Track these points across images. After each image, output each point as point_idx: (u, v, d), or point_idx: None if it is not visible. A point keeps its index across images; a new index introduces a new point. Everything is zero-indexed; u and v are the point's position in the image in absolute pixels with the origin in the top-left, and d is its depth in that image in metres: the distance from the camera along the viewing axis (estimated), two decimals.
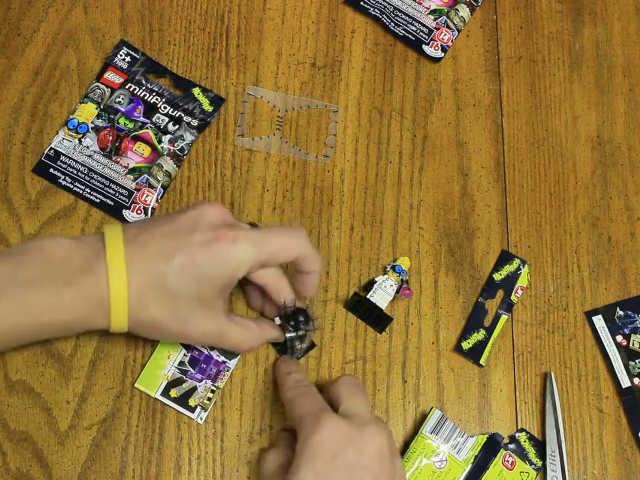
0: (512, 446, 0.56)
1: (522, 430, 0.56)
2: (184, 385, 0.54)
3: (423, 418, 0.56)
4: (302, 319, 0.54)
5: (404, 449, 0.55)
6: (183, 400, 0.54)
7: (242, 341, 0.52)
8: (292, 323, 0.54)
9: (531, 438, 0.56)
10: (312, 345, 0.57)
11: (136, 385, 0.54)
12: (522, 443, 0.56)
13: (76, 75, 0.63)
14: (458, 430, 0.55)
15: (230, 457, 0.54)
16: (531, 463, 0.55)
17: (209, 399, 0.54)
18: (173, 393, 0.54)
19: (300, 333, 0.54)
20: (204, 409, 0.54)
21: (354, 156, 0.63)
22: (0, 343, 0.46)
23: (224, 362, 0.55)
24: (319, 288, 0.58)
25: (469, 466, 0.54)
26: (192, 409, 0.54)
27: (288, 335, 0.54)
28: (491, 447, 0.55)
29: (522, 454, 0.56)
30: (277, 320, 0.54)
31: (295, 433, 0.47)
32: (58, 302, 0.45)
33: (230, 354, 0.55)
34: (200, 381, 0.55)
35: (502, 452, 0.55)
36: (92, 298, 0.46)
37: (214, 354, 0.55)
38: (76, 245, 0.47)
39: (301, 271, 0.52)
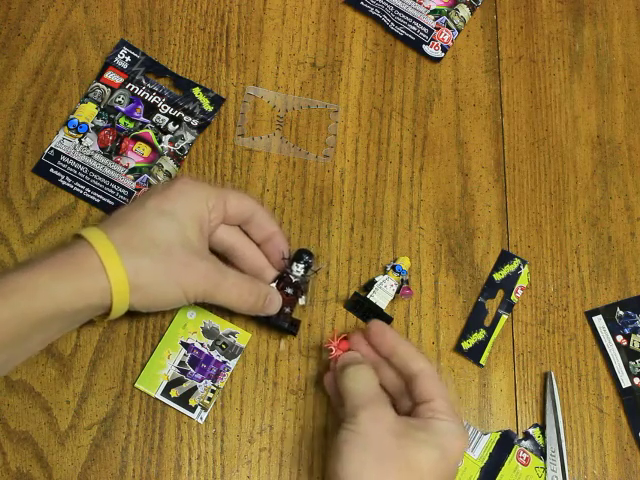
0: (526, 442, 0.56)
1: (536, 425, 0.57)
2: (184, 385, 0.54)
3: None
4: (307, 257, 0.55)
5: None
6: (183, 400, 0.54)
7: (242, 287, 0.51)
8: (301, 263, 0.55)
9: (545, 434, 0.56)
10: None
11: (136, 385, 0.54)
12: (536, 439, 0.56)
13: (76, 75, 0.63)
14: (471, 428, 0.55)
15: (230, 457, 0.54)
16: (545, 458, 0.55)
17: (209, 399, 0.54)
18: (173, 393, 0.54)
19: (310, 272, 0.55)
20: (204, 409, 0.54)
21: (354, 156, 0.63)
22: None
23: (224, 362, 0.55)
24: (319, 288, 0.58)
25: (484, 464, 0.55)
26: (192, 409, 0.54)
27: (300, 275, 0.54)
28: (505, 444, 0.55)
29: (536, 450, 0.56)
30: (273, 285, 0.54)
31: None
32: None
33: (230, 354, 0.55)
34: (200, 381, 0.55)
35: (516, 448, 0.55)
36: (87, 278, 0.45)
37: (214, 354, 0.55)
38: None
39: (264, 237, 0.54)
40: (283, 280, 0.55)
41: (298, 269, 0.55)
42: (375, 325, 0.52)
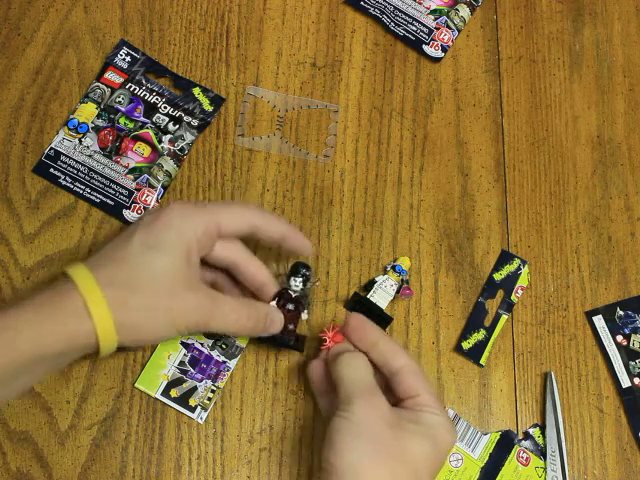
0: (526, 442, 0.56)
1: (536, 425, 0.57)
2: (184, 385, 0.54)
3: None
4: (304, 269, 0.53)
5: None
6: (183, 400, 0.54)
7: (239, 312, 0.50)
8: (299, 277, 0.53)
9: (545, 434, 0.56)
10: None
11: (136, 385, 0.54)
12: (536, 439, 0.56)
13: (76, 75, 0.63)
14: (472, 429, 0.55)
15: (230, 457, 0.54)
16: (545, 458, 0.55)
17: (209, 399, 0.54)
18: (173, 393, 0.54)
19: (309, 284, 0.53)
20: (204, 409, 0.54)
21: (354, 156, 0.63)
22: None
23: (224, 362, 0.55)
24: (319, 288, 0.58)
25: (484, 464, 0.55)
26: (192, 409, 0.54)
27: (299, 289, 0.53)
28: (505, 444, 0.55)
29: (536, 450, 0.56)
30: (273, 303, 0.53)
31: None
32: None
33: (230, 354, 0.55)
34: (200, 381, 0.55)
35: (516, 448, 0.55)
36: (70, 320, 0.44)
37: (214, 354, 0.55)
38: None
39: (278, 240, 0.52)
40: (283, 297, 0.53)
41: (297, 283, 0.53)
42: (354, 319, 0.51)
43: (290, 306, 0.53)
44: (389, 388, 0.50)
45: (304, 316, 0.55)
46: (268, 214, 0.52)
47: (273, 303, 0.53)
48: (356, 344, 0.51)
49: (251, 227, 0.51)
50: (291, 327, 0.53)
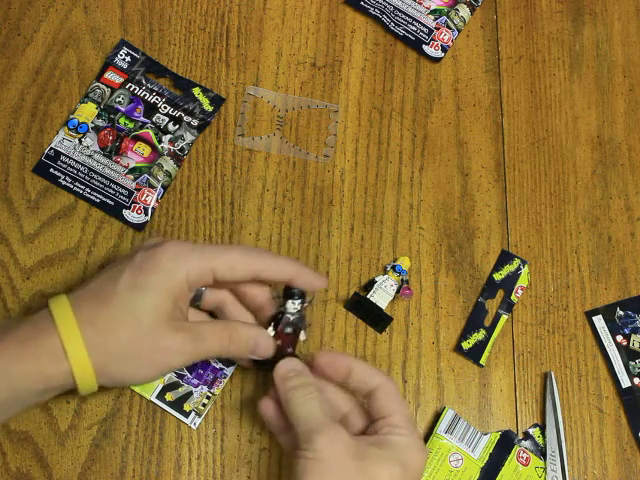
0: (526, 442, 0.56)
1: (536, 425, 0.57)
2: (180, 389, 0.54)
3: (423, 418, 0.56)
4: (296, 291, 0.50)
5: None
6: (178, 404, 0.54)
7: (221, 336, 0.48)
8: (296, 299, 0.50)
9: (545, 434, 0.56)
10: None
11: (132, 386, 0.54)
12: (536, 439, 0.56)
13: (76, 75, 0.63)
14: (472, 429, 0.55)
15: (230, 457, 0.54)
16: (545, 458, 0.55)
17: (204, 405, 0.54)
18: (168, 397, 0.54)
19: (305, 304, 0.51)
20: (198, 415, 0.54)
21: (354, 156, 0.63)
22: None
23: (221, 369, 0.55)
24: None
25: (484, 464, 0.55)
26: (186, 414, 0.54)
27: (293, 310, 0.50)
28: (505, 444, 0.55)
29: (536, 450, 0.56)
30: (270, 330, 0.51)
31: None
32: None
33: (228, 361, 0.55)
34: (196, 386, 0.54)
35: (516, 448, 0.55)
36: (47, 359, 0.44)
37: (212, 360, 0.55)
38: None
39: (287, 282, 0.50)
40: (280, 321, 0.51)
41: (295, 306, 0.50)
42: (322, 356, 0.49)
43: (288, 329, 0.51)
44: (365, 410, 0.48)
45: (302, 337, 0.52)
46: (271, 256, 0.50)
47: (270, 328, 0.51)
48: (330, 378, 0.49)
49: (252, 273, 0.48)
50: (289, 350, 0.51)
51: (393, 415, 0.46)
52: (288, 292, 0.50)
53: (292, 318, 0.51)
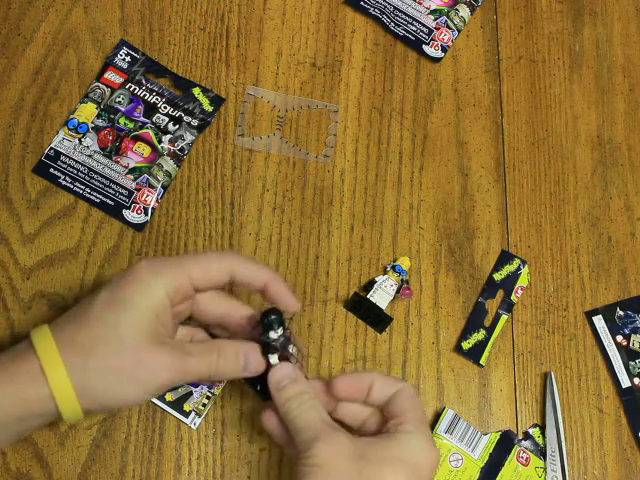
0: (526, 442, 0.56)
1: (536, 425, 0.57)
2: (180, 389, 0.54)
3: None
4: (274, 316, 0.47)
5: None
6: (178, 404, 0.54)
7: (210, 355, 0.46)
8: (277, 327, 0.47)
9: (545, 434, 0.56)
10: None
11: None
12: (536, 439, 0.56)
13: (76, 75, 0.63)
14: (472, 429, 0.55)
15: (230, 457, 0.54)
16: (545, 458, 0.55)
17: (204, 405, 0.54)
18: (168, 397, 0.54)
19: (287, 326, 0.47)
20: (198, 415, 0.54)
21: (354, 156, 0.63)
22: None
23: None
24: (320, 288, 0.58)
25: (484, 464, 0.55)
26: (186, 414, 0.54)
27: (279, 336, 0.47)
28: (505, 444, 0.55)
29: (536, 450, 0.56)
30: (275, 359, 0.48)
31: None
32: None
33: None
34: (196, 386, 0.54)
35: (516, 448, 0.55)
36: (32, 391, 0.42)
37: None
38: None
39: (260, 288, 0.48)
40: (268, 350, 0.47)
41: (278, 333, 0.47)
42: (341, 381, 0.47)
43: (273, 359, 0.47)
44: (379, 415, 0.47)
45: (293, 351, 0.48)
46: (247, 260, 0.49)
47: (275, 356, 0.48)
48: (351, 399, 0.48)
49: (229, 274, 0.47)
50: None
51: (404, 414, 0.45)
52: (265, 322, 0.47)
53: (278, 345, 0.47)
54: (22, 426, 0.44)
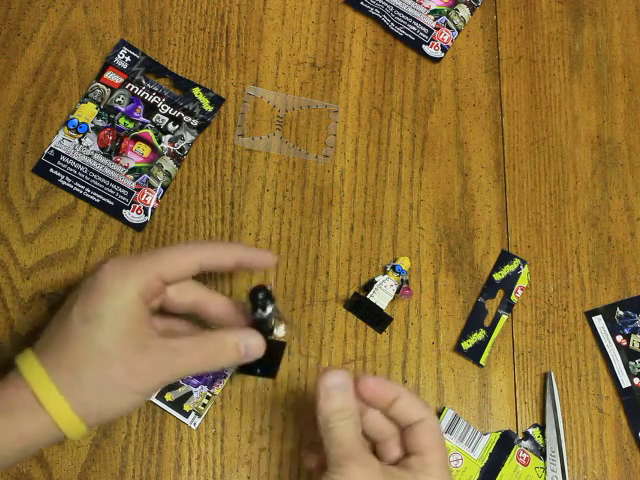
0: (526, 442, 0.56)
1: (536, 425, 0.57)
2: (180, 389, 0.54)
3: None
4: (261, 294, 0.46)
5: None
6: (178, 404, 0.54)
7: (204, 350, 0.46)
8: (267, 304, 0.47)
9: (545, 434, 0.56)
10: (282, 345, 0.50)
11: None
12: (536, 439, 0.56)
13: (76, 75, 0.63)
14: (471, 429, 0.55)
15: (230, 457, 0.54)
16: (545, 458, 0.55)
17: (204, 405, 0.54)
18: (168, 397, 0.54)
19: (273, 301, 0.47)
20: (198, 415, 0.54)
21: (354, 156, 0.63)
22: None
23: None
24: (320, 288, 0.58)
25: (484, 464, 0.55)
26: (186, 414, 0.54)
27: (257, 316, 0.47)
28: (505, 444, 0.55)
29: (536, 450, 0.56)
30: (282, 329, 0.50)
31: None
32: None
33: None
34: (196, 386, 0.54)
35: (516, 448, 0.55)
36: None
37: None
38: None
39: (234, 266, 0.48)
40: (263, 327, 0.48)
41: (270, 309, 0.47)
42: (369, 381, 0.46)
43: (279, 332, 0.49)
44: (401, 438, 0.47)
45: (281, 333, 0.49)
46: (213, 243, 0.49)
47: (282, 327, 0.49)
48: (372, 402, 0.47)
49: (195, 263, 0.47)
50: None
51: (429, 454, 0.45)
52: (253, 301, 0.47)
53: (272, 318, 0.48)
54: (25, 453, 0.43)
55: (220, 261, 0.48)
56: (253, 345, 0.47)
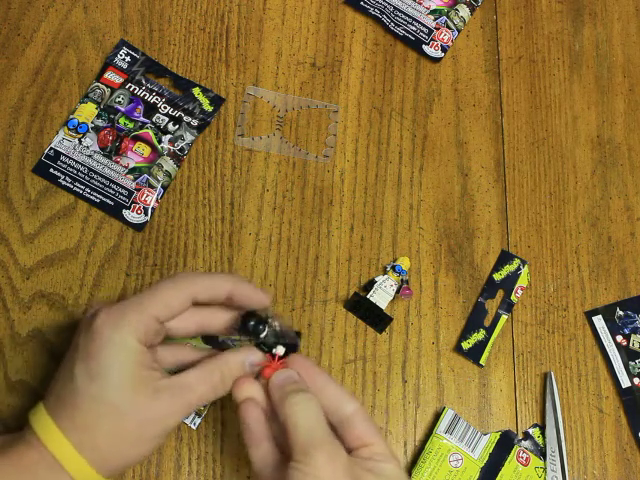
0: (526, 442, 0.56)
1: (536, 425, 0.57)
2: None
3: (423, 418, 0.56)
4: (252, 321, 0.47)
5: (405, 449, 0.55)
6: None
7: (211, 379, 0.46)
8: (263, 327, 0.47)
9: (545, 434, 0.56)
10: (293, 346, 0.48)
11: None
12: (536, 439, 0.56)
13: (76, 75, 0.63)
14: (471, 429, 0.55)
15: (230, 457, 0.54)
16: (545, 458, 0.56)
17: (204, 405, 0.54)
18: None
19: (270, 321, 0.47)
20: (198, 415, 0.54)
21: (354, 156, 0.63)
22: None
23: None
24: (319, 288, 0.58)
25: (484, 464, 0.55)
26: None
27: (265, 335, 0.47)
28: (505, 444, 0.55)
29: (536, 450, 0.56)
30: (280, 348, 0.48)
31: None
32: None
33: None
34: None
35: (516, 448, 0.55)
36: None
37: None
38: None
39: (226, 299, 0.48)
40: (264, 349, 0.47)
41: (265, 331, 0.47)
42: (298, 359, 0.46)
43: (280, 350, 0.47)
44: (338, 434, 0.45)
45: (280, 352, 0.47)
46: (204, 276, 0.48)
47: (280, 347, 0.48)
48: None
49: (187, 300, 0.46)
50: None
51: (375, 443, 0.44)
52: (246, 326, 0.47)
53: (269, 338, 0.47)
54: None
55: (213, 294, 0.47)
56: (256, 361, 0.47)
